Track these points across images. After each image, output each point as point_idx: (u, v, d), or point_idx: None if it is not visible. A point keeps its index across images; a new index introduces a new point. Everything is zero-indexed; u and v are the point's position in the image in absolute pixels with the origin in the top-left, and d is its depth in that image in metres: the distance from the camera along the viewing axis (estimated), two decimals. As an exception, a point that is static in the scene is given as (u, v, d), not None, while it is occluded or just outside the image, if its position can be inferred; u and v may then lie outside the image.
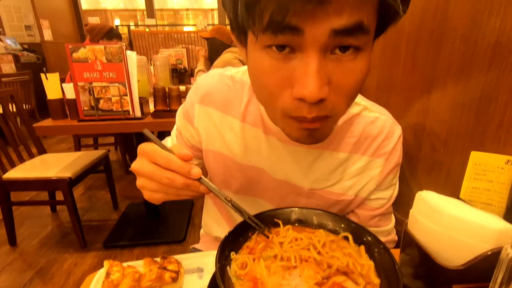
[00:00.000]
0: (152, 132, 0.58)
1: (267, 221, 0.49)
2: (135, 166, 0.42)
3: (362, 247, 0.43)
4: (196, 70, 2.53)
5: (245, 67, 0.60)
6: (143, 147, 0.42)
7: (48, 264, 1.66)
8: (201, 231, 0.84)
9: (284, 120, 0.40)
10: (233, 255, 0.42)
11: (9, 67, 4.37)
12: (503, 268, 0.31)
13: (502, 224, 0.34)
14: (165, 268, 0.45)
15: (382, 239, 0.61)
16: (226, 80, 0.58)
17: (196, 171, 0.40)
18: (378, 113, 0.57)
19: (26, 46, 5.00)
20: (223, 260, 0.40)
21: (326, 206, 0.60)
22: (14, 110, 1.96)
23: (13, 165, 1.77)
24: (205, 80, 0.60)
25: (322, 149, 0.57)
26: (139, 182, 0.43)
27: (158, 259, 0.48)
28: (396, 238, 0.65)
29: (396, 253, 0.42)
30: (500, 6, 0.42)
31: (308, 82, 0.32)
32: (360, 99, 0.57)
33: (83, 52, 1.36)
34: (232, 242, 0.44)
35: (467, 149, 0.46)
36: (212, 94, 0.58)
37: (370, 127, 0.56)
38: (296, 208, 0.51)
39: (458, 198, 0.43)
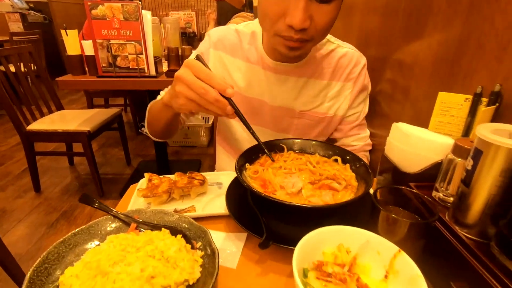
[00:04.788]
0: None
1: (274, 147, 0.61)
2: (179, 73, 0.47)
3: (348, 165, 0.55)
4: (205, 35, 2.57)
5: (245, 23, 0.75)
6: (189, 61, 0.47)
7: (71, 208, 1.85)
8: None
9: (275, 38, 0.56)
10: (247, 165, 0.55)
11: (16, 26, 4.36)
12: (443, 168, 0.43)
13: (450, 140, 0.46)
14: (193, 178, 0.58)
15: (362, 142, 0.80)
16: (232, 31, 0.73)
17: (231, 91, 0.46)
18: (348, 48, 0.74)
19: (32, 5, 4.93)
20: (240, 166, 0.52)
21: (313, 124, 0.76)
22: (23, 70, 1.97)
23: (34, 118, 1.89)
24: (215, 31, 0.75)
25: (308, 78, 0.72)
26: (178, 88, 0.48)
27: (187, 174, 0.60)
28: (371, 143, 0.82)
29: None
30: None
31: (296, 15, 0.48)
32: (334, 39, 0.73)
33: (101, 9, 1.43)
34: (246, 158, 0.56)
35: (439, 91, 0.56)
36: (223, 40, 0.73)
37: (343, 59, 0.73)
38: (298, 140, 0.63)
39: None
